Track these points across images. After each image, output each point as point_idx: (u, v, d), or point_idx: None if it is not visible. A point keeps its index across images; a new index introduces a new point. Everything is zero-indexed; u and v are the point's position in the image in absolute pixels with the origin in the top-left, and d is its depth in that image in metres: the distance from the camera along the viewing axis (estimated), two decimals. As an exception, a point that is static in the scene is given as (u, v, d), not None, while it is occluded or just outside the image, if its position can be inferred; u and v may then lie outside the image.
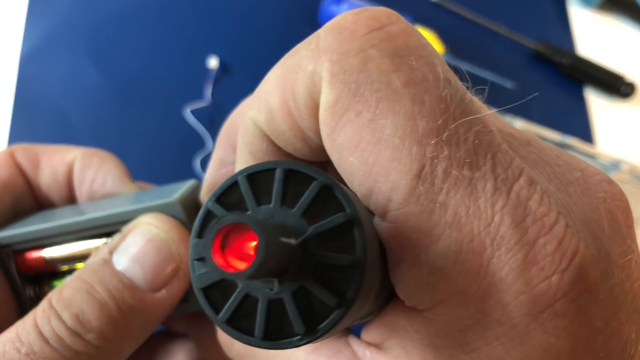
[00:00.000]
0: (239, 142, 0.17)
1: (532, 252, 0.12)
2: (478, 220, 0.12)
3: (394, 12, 0.14)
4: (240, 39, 0.57)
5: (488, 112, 0.14)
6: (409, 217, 0.12)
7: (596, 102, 0.57)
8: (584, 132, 0.55)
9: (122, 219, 0.21)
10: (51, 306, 0.17)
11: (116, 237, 0.20)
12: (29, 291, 0.26)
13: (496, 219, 0.12)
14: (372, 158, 0.13)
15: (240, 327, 0.12)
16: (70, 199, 0.26)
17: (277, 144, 0.16)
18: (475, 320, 0.12)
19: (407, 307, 0.14)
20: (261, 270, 0.10)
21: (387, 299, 0.15)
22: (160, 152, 0.51)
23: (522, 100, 0.55)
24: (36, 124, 0.51)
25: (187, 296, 0.21)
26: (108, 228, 0.23)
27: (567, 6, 0.63)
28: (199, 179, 0.24)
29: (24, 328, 0.17)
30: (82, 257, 0.24)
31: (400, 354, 0.14)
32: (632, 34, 0.61)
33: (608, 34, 0.61)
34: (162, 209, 0.21)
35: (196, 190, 0.23)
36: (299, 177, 0.12)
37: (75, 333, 0.17)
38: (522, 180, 0.12)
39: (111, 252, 0.19)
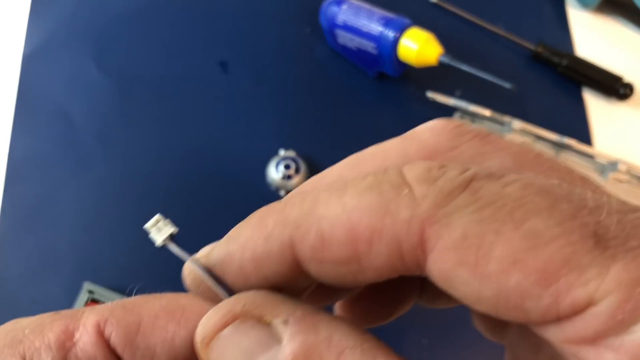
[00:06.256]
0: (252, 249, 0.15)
1: None
2: None
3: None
4: (242, 39, 0.58)
5: None
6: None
7: (594, 103, 0.58)
8: (582, 132, 0.56)
9: None
10: None
11: None
12: None
13: None
14: (540, 264, 0.12)
15: None
16: None
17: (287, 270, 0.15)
18: None
19: None
20: None
21: None
22: (164, 151, 0.51)
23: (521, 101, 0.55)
24: (39, 124, 0.52)
25: None
26: None
27: (565, 7, 0.63)
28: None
29: None
30: None
31: None
32: (630, 35, 0.62)
33: (606, 35, 0.61)
34: None
35: None
36: None
37: None
38: None
39: None
